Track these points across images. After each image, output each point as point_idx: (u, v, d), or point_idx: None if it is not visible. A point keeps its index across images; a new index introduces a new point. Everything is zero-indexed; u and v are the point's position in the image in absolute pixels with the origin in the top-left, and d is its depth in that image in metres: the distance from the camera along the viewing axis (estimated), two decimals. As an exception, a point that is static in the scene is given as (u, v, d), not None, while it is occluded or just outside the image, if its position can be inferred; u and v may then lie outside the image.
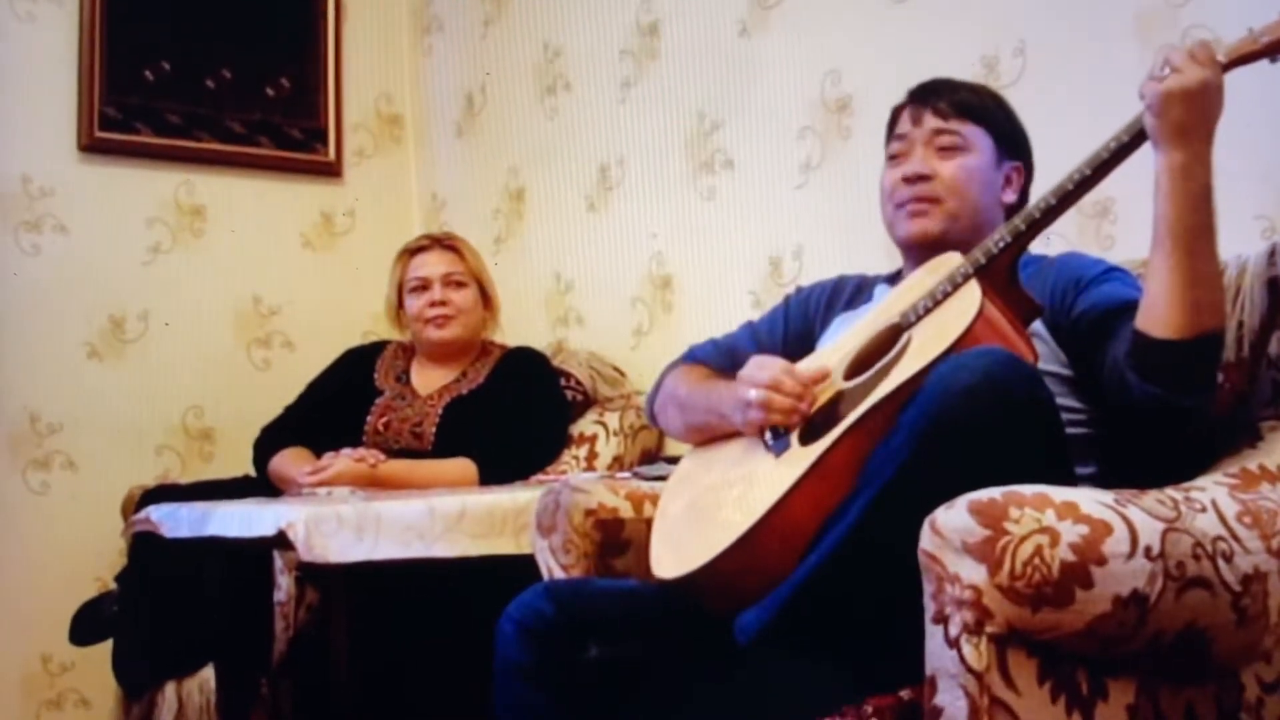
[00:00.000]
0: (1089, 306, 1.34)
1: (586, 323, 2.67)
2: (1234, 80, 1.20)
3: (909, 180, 1.45)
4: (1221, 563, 1.09)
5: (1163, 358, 1.20)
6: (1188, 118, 1.17)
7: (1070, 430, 1.24)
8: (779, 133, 2.27)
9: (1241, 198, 1.53)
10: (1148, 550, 1.05)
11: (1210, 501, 1.14)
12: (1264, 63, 1.21)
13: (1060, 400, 1.23)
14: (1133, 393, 1.22)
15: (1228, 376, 1.33)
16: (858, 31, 2.15)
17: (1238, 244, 1.39)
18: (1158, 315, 1.20)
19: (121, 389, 2.66)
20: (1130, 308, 1.27)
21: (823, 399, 1.33)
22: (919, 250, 1.46)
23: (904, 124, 1.49)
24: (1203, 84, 1.17)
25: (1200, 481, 1.21)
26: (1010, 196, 1.48)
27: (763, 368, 1.37)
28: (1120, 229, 1.78)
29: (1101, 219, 1.80)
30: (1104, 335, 1.29)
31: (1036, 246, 1.45)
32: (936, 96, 1.47)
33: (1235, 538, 1.11)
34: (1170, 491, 1.14)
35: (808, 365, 1.39)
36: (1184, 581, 1.06)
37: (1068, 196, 1.27)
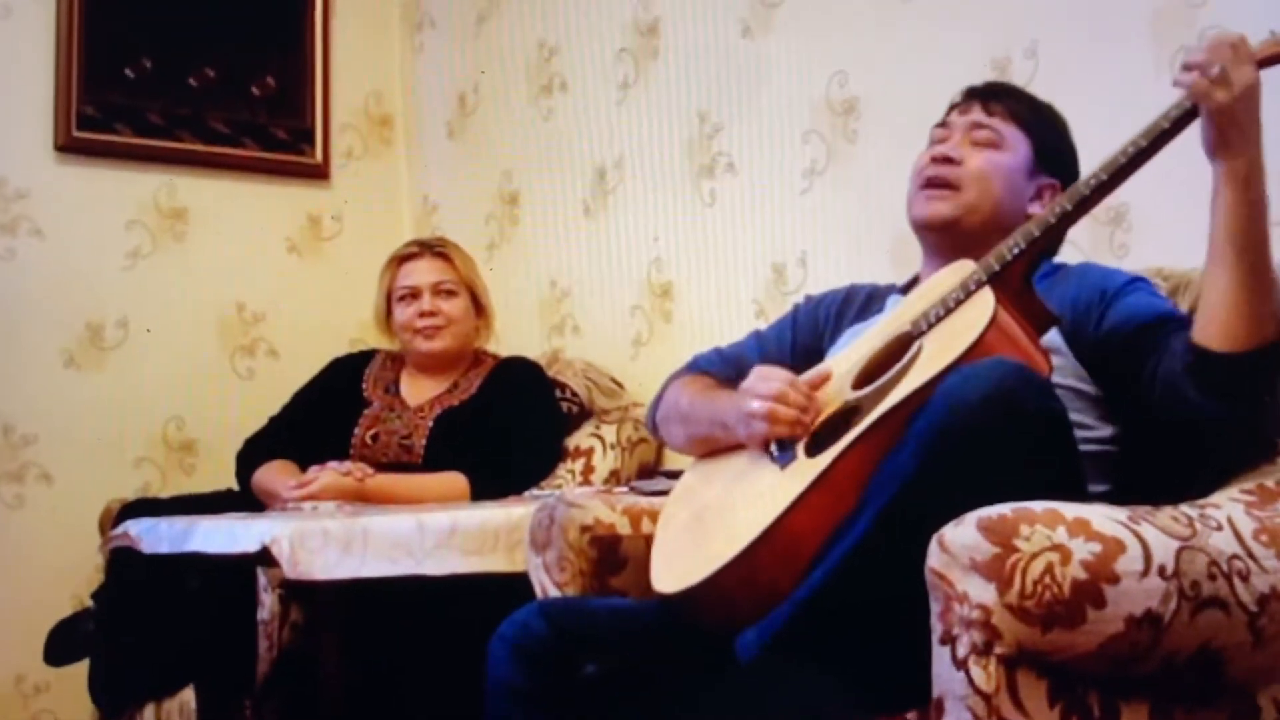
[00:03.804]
0: (1120, 320, 1.32)
1: (583, 332, 2.65)
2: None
3: (936, 160, 1.45)
4: (1238, 582, 1.09)
5: (1225, 371, 1.18)
6: (1245, 122, 1.17)
7: (1084, 448, 1.22)
8: (783, 136, 2.26)
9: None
10: (1162, 569, 1.04)
11: (1226, 519, 1.13)
12: None
13: (1075, 417, 1.21)
14: (1194, 408, 1.20)
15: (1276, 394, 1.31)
16: (865, 32, 2.14)
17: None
18: (1219, 328, 1.18)
19: (100, 399, 2.64)
20: (1166, 319, 1.27)
21: (830, 409, 1.31)
22: (930, 235, 1.46)
23: (952, 114, 1.51)
24: (1250, 85, 1.16)
25: (1216, 498, 1.20)
26: (1038, 210, 1.45)
27: (766, 379, 1.35)
28: (1135, 237, 1.77)
29: (1115, 227, 1.79)
30: (1143, 349, 1.27)
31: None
32: (991, 95, 1.49)
33: (1252, 556, 1.11)
34: (1185, 509, 1.14)
35: (814, 374, 1.37)
36: (1199, 601, 1.06)
37: (1084, 202, 1.26)
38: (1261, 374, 1.19)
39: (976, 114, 1.47)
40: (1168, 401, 1.23)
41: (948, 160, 1.44)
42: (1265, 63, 1.19)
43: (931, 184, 1.45)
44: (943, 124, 1.50)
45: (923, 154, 1.49)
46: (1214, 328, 1.19)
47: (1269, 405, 1.23)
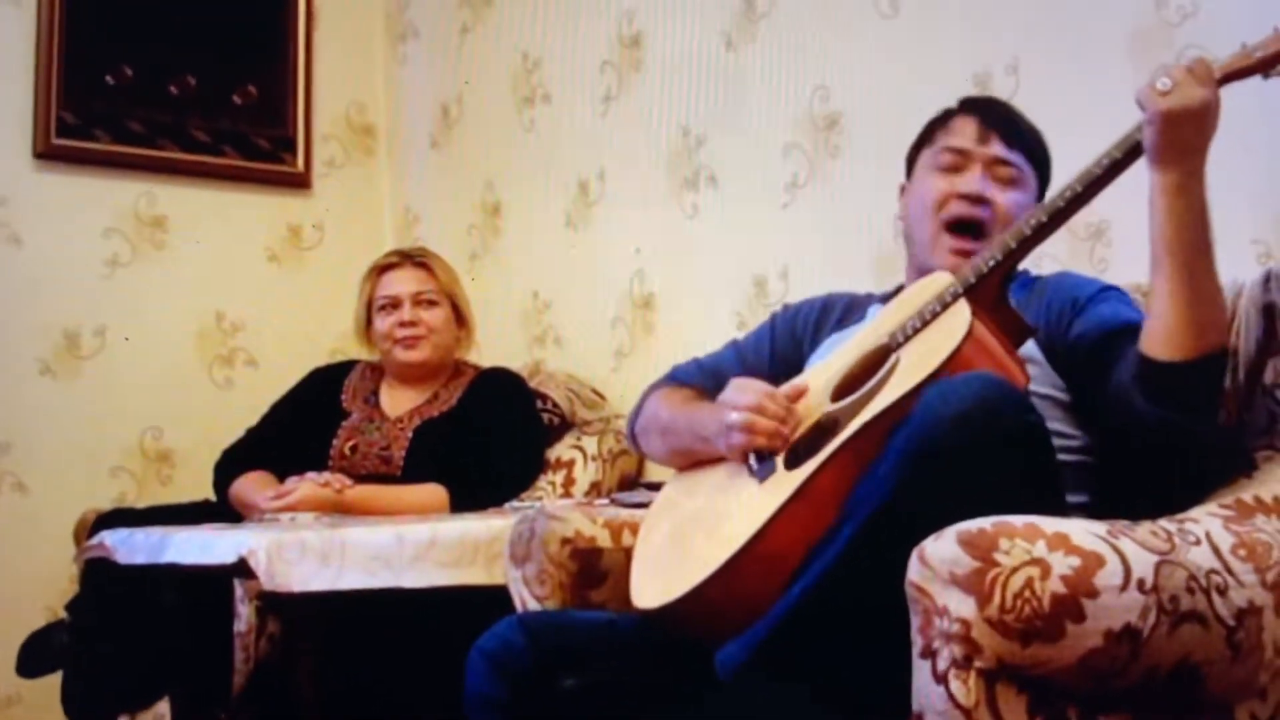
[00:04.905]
0: (1088, 328, 1.32)
1: (565, 343, 2.64)
2: (1229, 101, 1.19)
3: (965, 198, 1.41)
4: (1215, 596, 1.09)
5: (1169, 380, 1.18)
6: (1188, 137, 1.17)
7: (1062, 457, 1.22)
8: (765, 149, 2.25)
9: (1237, 222, 1.53)
10: (1140, 583, 1.04)
11: (1204, 533, 1.13)
12: (1259, 84, 1.20)
13: (1053, 425, 1.21)
14: (1141, 417, 1.20)
15: (1223, 404, 1.31)
16: (848, 47, 2.14)
17: (1233, 269, 1.38)
18: (1162, 337, 1.19)
19: (76, 408, 2.62)
20: (1131, 328, 1.26)
21: (809, 421, 1.31)
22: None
23: (964, 136, 1.44)
24: (1203, 103, 1.16)
25: (1194, 513, 1.20)
26: None
27: (744, 390, 1.34)
28: (1115, 252, 1.77)
29: (1096, 241, 1.79)
30: (1106, 358, 1.27)
31: (1029, 267, 1.42)
32: (1004, 122, 1.45)
33: (1229, 571, 1.11)
34: (1164, 523, 1.14)
35: (792, 386, 1.36)
36: (1177, 615, 1.06)
37: (1059, 214, 1.26)
38: (1204, 384, 1.19)
39: (998, 148, 1.42)
40: (1119, 410, 1.23)
41: (981, 200, 1.40)
42: (1234, 76, 1.19)
43: (962, 227, 1.40)
44: (959, 150, 1.43)
45: (935, 181, 1.43)
46: (1157, 336, 1.19)
47: (1219, 413, 1.24)
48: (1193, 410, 1.19)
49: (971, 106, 1.48)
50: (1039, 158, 1.45)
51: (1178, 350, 1.17)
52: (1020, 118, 1.49)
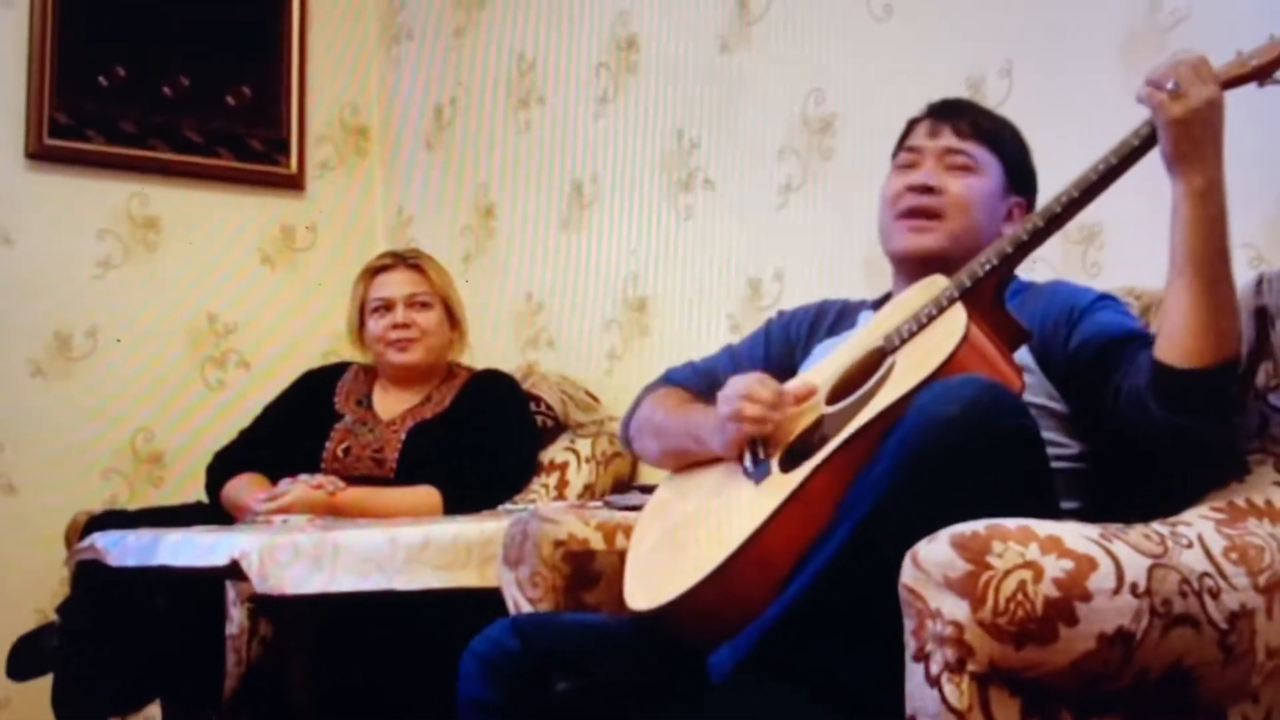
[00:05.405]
0: (1088, 337, 1.33)
1: (558, 345, 2.63)
2: (1219, 106, 1.20)
3: (915, 189, 1.44)
4: (1208, 599, 1.09)
5: (1187, 388, 1.19)
6: (1203, 138, 1.18)
7: (1054, 464, 1.22)
8: (759, 152, 2.25)
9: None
10: (1133, 586, 1.05)
11: (1197, 536, 1.14)
12: (1249, 89, 1.21)
13: (1046, 434, 1.21)
14: (1156, 424, 1.20)
15: (1238, 411, 1.31)
16: (842, 50, 2.14)
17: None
18: (1181, 345, 1.19)
19: (67, 409, 2.62)
20: (1135, 336, 1.28)
21: (805, 423, 1.31)
22: (912, 266, 1.45)
23: (919, 135, 1.49)
24: (1209, 102, 1.17)
25: (1186, 516, 1.20)
26: (1009, 229, 1.45)
27: (735, 383, 1.35)
28: (1107, 256, 1.77)
29: (1088, 245, 1.79)
30: (1110, 365, 1.28)
31: (1021, 272, 1.42)
32: (958, 115, 1.48)
33: (1222, 574, 1.12)
34: (1156, 526, 1.15)
35: (802, 385, 1.36)
36: (1170, 619, 1.06)
37: (1055, 219, 1.27)
38: (1222, 390, 1.20)
39: (948, 138, 1.45)
40: (1132, 417, 1.23)
41: (927, 189, 1.43)
42: (1230, 84, 1.20)
43: (914, 214, 1.43)
44: (912, 148, 1.47)
45: (893, 180, 1.47)
46: (1174, 344, 1.19)
47: (1233, 421, 1.25)
48: (1208, 418, 1.20)
49: (930, 109, 1.51)
50: (999, 145, 1.46)
51: (1195, 358, 1.18)
52: (976, 110, 1.52)
